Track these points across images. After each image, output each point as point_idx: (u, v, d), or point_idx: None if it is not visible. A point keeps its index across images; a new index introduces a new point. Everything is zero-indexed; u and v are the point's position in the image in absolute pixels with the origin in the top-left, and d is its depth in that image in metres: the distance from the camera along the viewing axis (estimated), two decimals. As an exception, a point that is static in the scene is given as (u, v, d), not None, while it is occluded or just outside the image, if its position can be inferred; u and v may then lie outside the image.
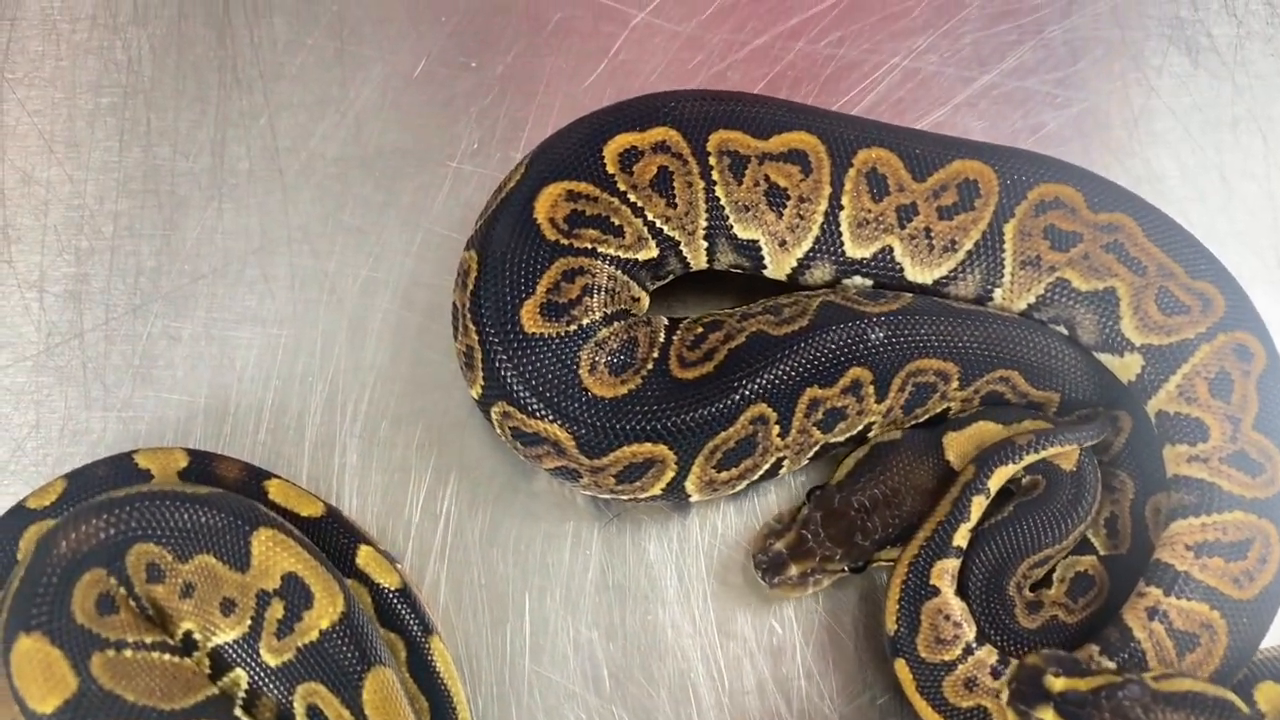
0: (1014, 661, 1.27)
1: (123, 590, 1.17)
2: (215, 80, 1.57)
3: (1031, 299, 1.37)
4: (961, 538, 1.31)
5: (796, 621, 1.42)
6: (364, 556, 1.34)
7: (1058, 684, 1.20)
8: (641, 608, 1.42)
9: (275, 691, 1.20)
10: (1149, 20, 1.63)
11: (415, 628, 1.33)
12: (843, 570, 1.33)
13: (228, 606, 1.20)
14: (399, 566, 1.38)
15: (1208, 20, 1.64)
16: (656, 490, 1.32)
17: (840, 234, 1.37)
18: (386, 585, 1.33)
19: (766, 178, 1.37)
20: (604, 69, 1.59)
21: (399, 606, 1.33)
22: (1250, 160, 1.59)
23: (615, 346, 1.32)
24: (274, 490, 1.35)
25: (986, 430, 1.35)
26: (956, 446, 1.35)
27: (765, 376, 1.30)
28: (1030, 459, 1.32)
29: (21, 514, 1.31)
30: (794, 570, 1.32)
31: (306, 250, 1.52)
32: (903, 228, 1.37)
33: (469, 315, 1.33)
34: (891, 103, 1.60)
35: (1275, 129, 1.60)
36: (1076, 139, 1.59)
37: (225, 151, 1.55)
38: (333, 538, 1.34)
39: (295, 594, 1.20)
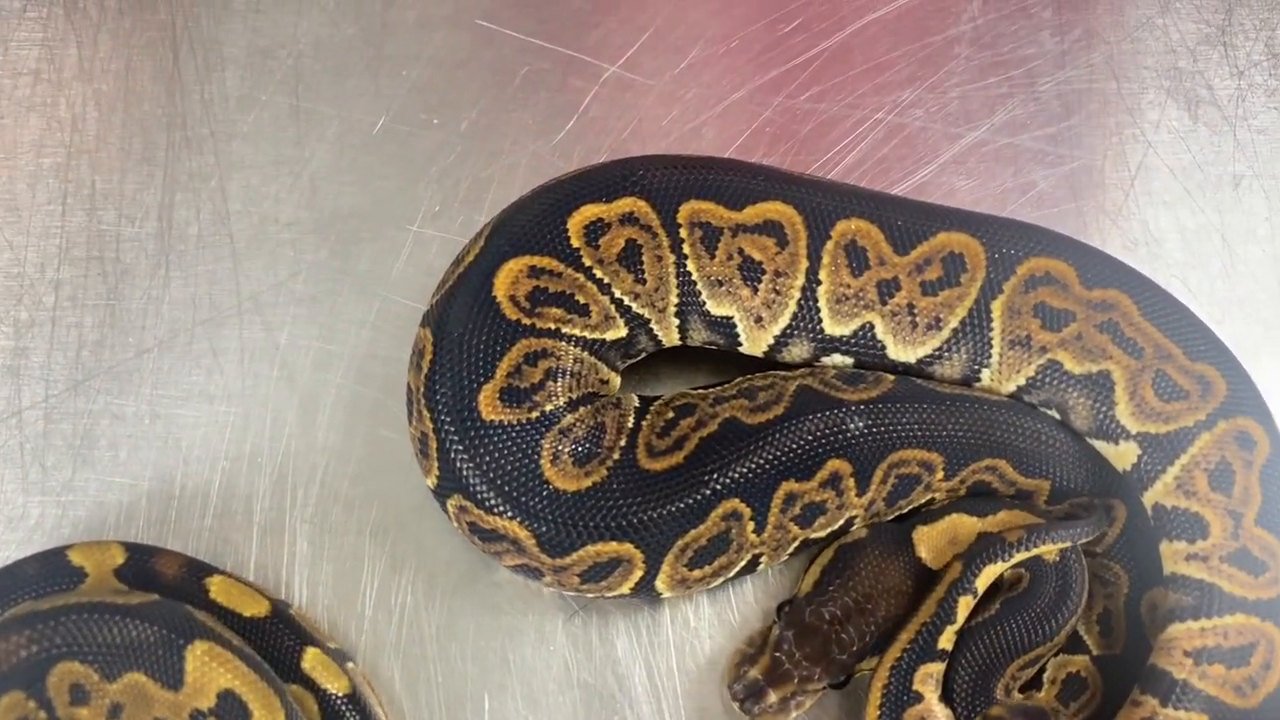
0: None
1: (43, 714, 1.10)
2: (164, 140, 1.49)
3: (1021, 381, 1.29)
4: (947, 640, 1.23)
5: (773, 722, 1.34)
6: (310, 659, 1.26)
7: None
8: (608, 707, 1.35)
9: (211, 818, 1.13)
10: (1145, 72, 1.55)
11: (365, 737, 1.25)
12: (824, 688, 1.24)
13: (159, 728, 1.13)
14: (349, 666, 1.30)
15: (1207, 72, 1.55)
16: (624, 590, 1.25)
17: (818, 310, 1.30)
18: (334, 691, 1.25)
19: (740, 251, 1.29)
20: (573, 126, 1.51)
21: (347, 714, 1.25)
22: (1253, 221, 1.51)
23: (580, 434, 1.24)
24: (215, 588, 1.28)
25: (960, 524, 1.27)
26: (929, 542, 1.27)
27: (738, 469, 1.22)
28: (1020, 557, 1.24)
29: (-56, 618, 1.23)
30: (773, 697, 1.22)
31: (257, 321, 1.44)
32: (884, 304, 1.29)
33: (423, 400, 1.25)
34: (874, 161, 1.52)
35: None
36: (1069, 199, 1.51)
37: (173, 215, 1.47)
38: (277, 639, 1.26)
39: (232, 713, 1.13)
